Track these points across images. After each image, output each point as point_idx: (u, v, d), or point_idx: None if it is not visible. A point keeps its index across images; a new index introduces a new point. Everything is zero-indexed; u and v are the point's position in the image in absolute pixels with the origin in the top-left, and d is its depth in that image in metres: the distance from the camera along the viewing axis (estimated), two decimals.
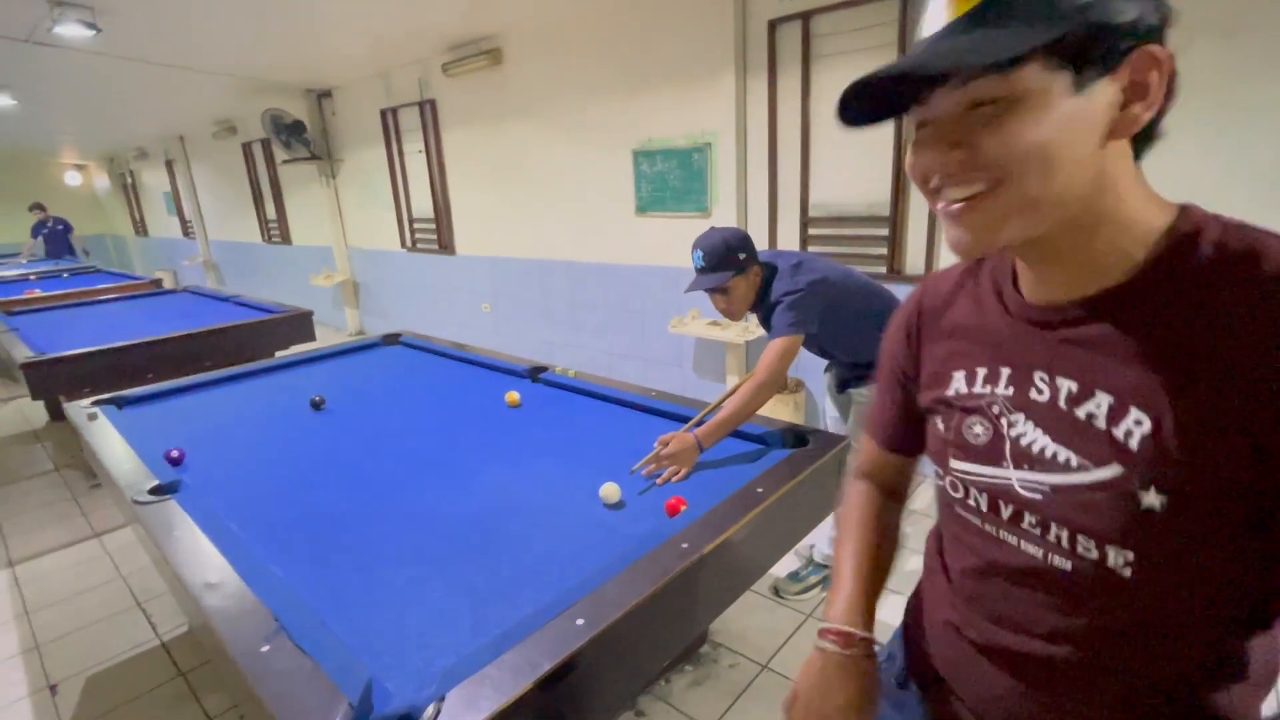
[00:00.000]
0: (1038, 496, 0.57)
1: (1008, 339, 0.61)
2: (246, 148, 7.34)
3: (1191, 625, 0.54)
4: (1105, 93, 0.48)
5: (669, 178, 3.59)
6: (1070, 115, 0.48)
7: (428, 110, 4.92)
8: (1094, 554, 0.54)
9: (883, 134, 2.80)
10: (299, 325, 3.94)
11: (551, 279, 4.53)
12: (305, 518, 1.47)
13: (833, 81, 2.90)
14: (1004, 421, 0.60)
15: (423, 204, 5.40)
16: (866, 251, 2.97)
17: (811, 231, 3.13)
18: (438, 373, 2.60)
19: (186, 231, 9.73)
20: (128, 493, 1.54)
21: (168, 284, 6.58)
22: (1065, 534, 0.55)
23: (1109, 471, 0.52)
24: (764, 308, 1.94)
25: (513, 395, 2.13)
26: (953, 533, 0.70)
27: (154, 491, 1.54)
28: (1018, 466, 0.58)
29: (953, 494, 0.66)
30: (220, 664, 1.14)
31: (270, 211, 7.53)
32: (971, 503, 0.64)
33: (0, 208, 10.66)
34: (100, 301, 5.05)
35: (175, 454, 1.78)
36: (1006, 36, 0.46)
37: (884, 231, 2.89)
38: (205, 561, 1.23)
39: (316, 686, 0.91)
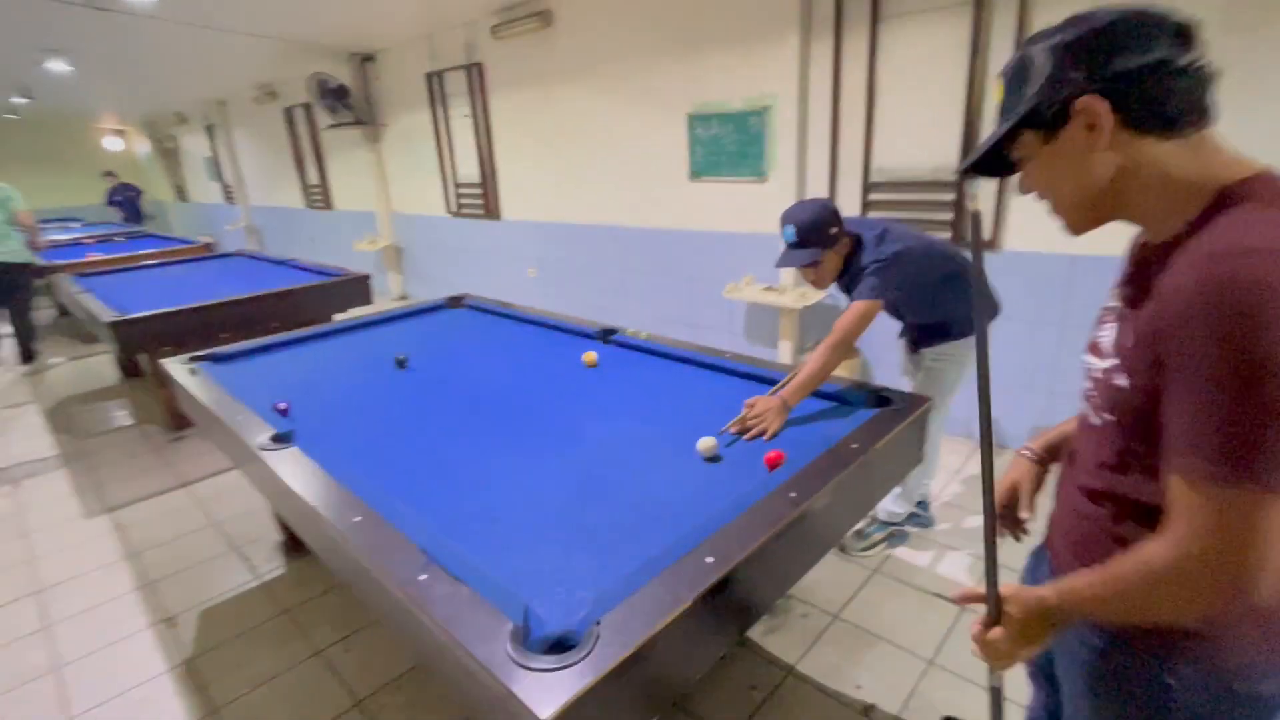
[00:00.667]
0: (1098, 375, 0.83)
1: (1126, 271, 0.85)
2: (288, 112, 7.41)
3: (1136, 472, 0.78)
4: (1071, 131, 0.74)
5: (724, 142, 3.58)
6: (1051, 156, 0.78)
7: (475, 74, 4.92)
8: (1109, 415, 0.80)
9: (951, 96, 2.76)
10: (357, 288, 4.05)
11: (600, 244, 4.56)
12: (420, 465, 1.57)
13: (902, 41, 2.86)
14: (1102, 327, 0.85)
15: (468, 169, 5.43)
16: (931, 217, 2.96)
17: (873, 197, 3.12)
18: (507, 333, 2.68)
19: (228, 196, 9.90)
20: (250, 440, 1.65)
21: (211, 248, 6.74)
22: (1101, 401, 0.82)
23: (1110, 362, 0.79)
24: (848, 275, 2.00)
25: (590, 355, 2.20)
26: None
27: (275, 440, 1.65)
28: (1095, 356, 0.84)
29: (1083, 381, 0.91)
30: (371, 594, 1.24)
31: (313, 176, 7.62)
32: (1084, 386, 0.89)
33: (45, 169, 10.95)
34: (160, 264, 5.22)
35: (283, 406, 1.89)
36: (1001, 130, 0.80)
37: (949, 197, 2.87)
38: (344, 501, 1.33)
39: (479, 610, 1.00)
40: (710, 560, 1.09)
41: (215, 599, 2.25)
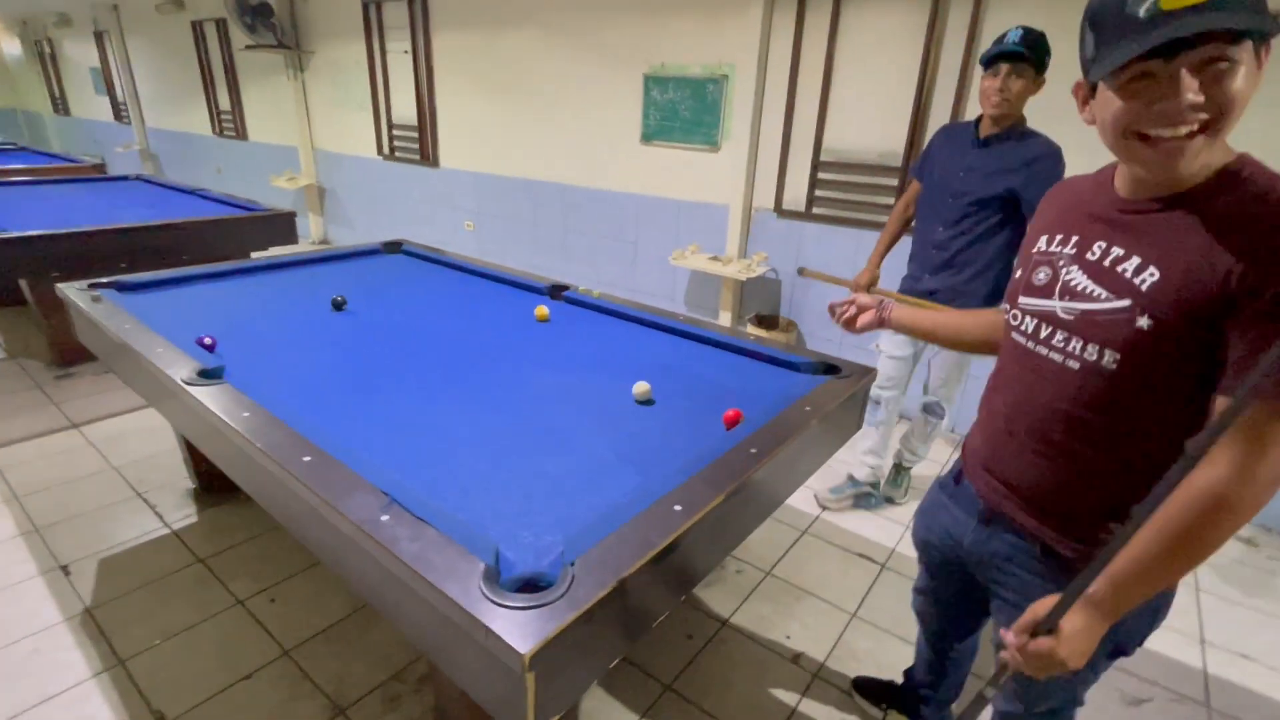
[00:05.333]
0: (1070, 318, 0.86)
1: (1085, 221, 0.89)
2: (197, 26, 6.70)
3: (1140, 422, 0.82)
4: (1256, 64, 0.71)
5: (680, 107, 3.55)
6: (1251, 77, 0.71)
7: (419, 7, 4.61)
8: (1094, 356, 0.83)
9: (905, 81, 2.85)
10: (280, 226, 3.77)
11: (543, 202, 4.45)
12: (369, 408, 1.50)
13: (862, 24, 2.92)
14: (1062, 269, 0.89)
15: (405, 110, 5.13)
16: (874, 200, 3.07)
17: (821, 175, 3.20)
18: (451, 283, 2.58)
19: (119, 115, 8.89)
20: (173, 375, 1.51)
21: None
22: (1080, 344, 0.85)
23: (1123, 302, 0.81)
24: (1011, 152, 1.95)
25: (542, 309, 2.16)
26: (1004, 357, 1.01)
27: (202, 375, 1.53)
28: (1061, 298, 0.88)
29: (1013, 323, 0.97)
30: (321, 537, 1.19)
31: (223, 101, 6.96)
32: (1024, 327, 0.94)
33: None
34: (40, 183, 4.64)
35: (208, 340, 1.75)
36: (1244, 17, 0.66)
37: (893, 182, 2.98)
38: (291, 440, 1.26)
39: (448, 550, 0.98)
40: (679, 508, 1.11)
41: (117, 547, 2.08)
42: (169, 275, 2.33)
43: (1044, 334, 0.90)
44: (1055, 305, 0.88)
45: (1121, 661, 1.88)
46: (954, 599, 1.30)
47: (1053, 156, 1.91)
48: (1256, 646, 1.94)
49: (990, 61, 1.90)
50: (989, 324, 1.19)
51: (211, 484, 2.35)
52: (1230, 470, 0.73)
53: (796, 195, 3.32)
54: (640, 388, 1.60)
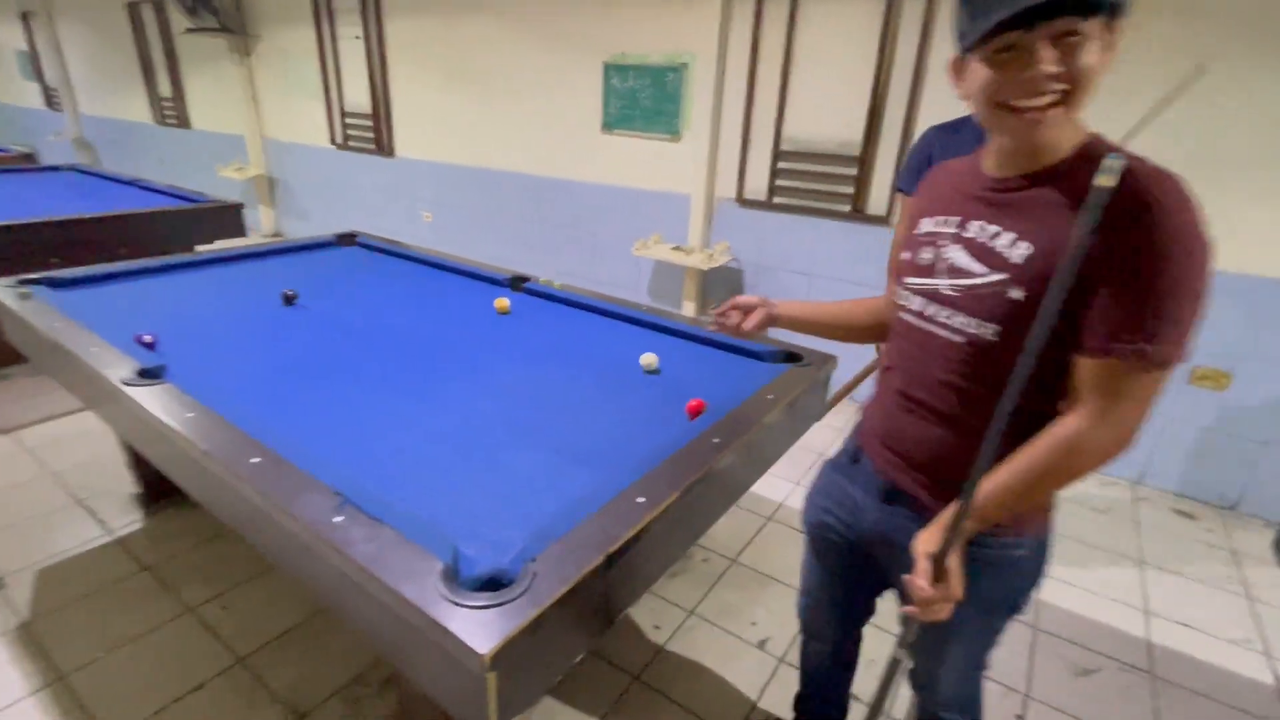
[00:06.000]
0: (954, 294, 0.90)
1: (963, 201, 0.93)
2: (133, 9, 6.37)
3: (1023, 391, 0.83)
4: (1107, 43, 0.76)
5: (640, 95, 3.52)
6: (1103, 46, 0.76)
7: None
8: (975, 330, 0.88)
9: (862, 72, 2.88)
10: (227, 218, 3.61)
11: (503, 192, 4.37)
12: (322, 406, 1.45)
13: (821, 13, 2.93)
14: (944, 249, 0.93)
15: (358, 97, 4.97)
16: (833, 189, 3.11)
17: (782, 165, 3.21)
18: (408, 276, 2.51)
19: (50, 101, 8.41)
20: (110, 376, 1.44)
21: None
22: (962, 318, 0.89)
23: (999, 276, 0.85)
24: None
25: (503, 301, 2.12)
26: (896, 335, 1.04)
27: (142, 375, 1.45)
28: (945, 276, 0.92)
29: (901, 302, 1.01)
30: (273, 541, 1.14)
31: (164, 88, 6.65)
32: (911, 306, 0.98)
33: None
34: None
35: (148, 338, 1.67)
36: None
37: (852, 171, 3.02)
38: (237, 441, 1.20)
39: (404, 550, 0.95)
40: (642, 500, 1.10)
41: (56, 557, 1.98)
42: (106, 270, 2.21)
43: (930, 311, 0.94)
44: (939, 283, 0.92)
45: (1071, 633, 1.95)
46: (847, 593, 1.27)
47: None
48: (1197, 616, 2.04)
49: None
50: (875, 309, 1.23)
51: (156, 488, 2.25)
52: (1085, 420, 0.81)
53: (758, 185, 3.33)
54: (648, 359, 1.68)
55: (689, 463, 1.23)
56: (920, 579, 0.88)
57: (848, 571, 1.21)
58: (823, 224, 3.19)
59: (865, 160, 2.97)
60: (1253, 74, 2.21)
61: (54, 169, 4.79)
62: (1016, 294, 0.83)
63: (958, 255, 0.90)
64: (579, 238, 4.12)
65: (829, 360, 1.77)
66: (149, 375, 1.46)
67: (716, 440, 1.31)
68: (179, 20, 5.62)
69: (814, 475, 1.27)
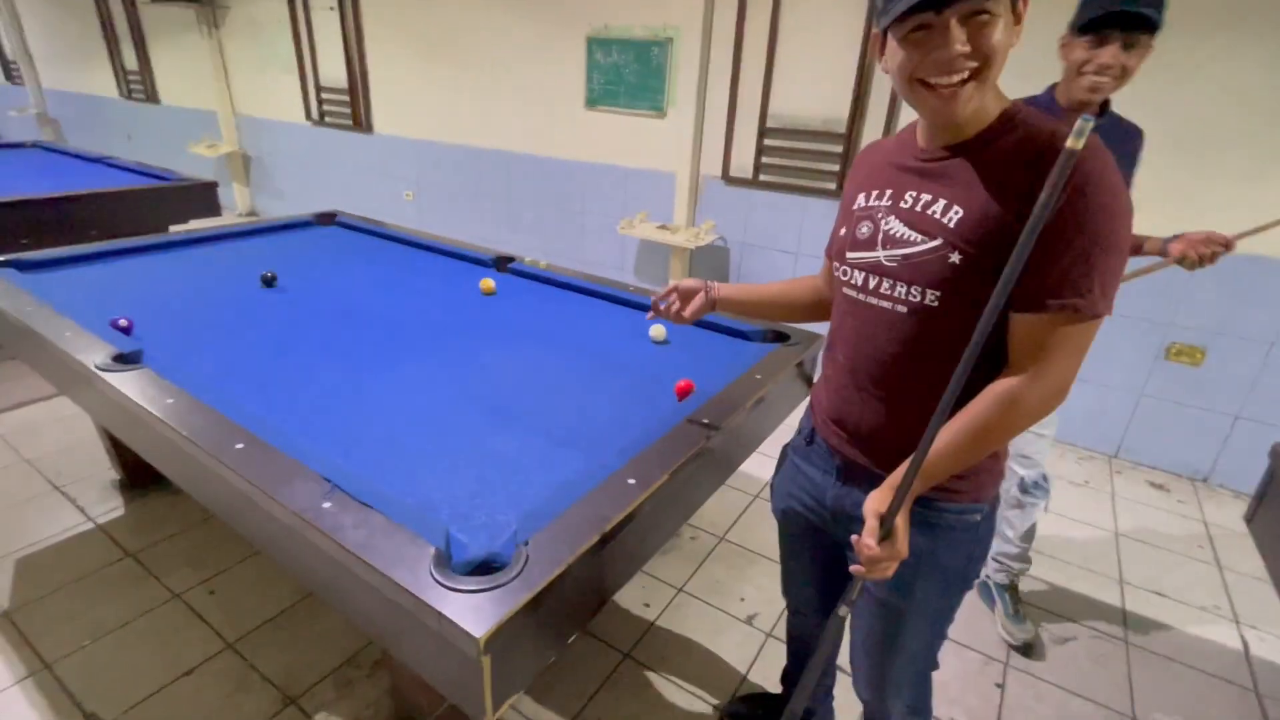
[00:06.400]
0: (893, 265, 0.92)
1: (895, 174, 0.95)
2: None
3: (961, 343, 0.82)
4: (1012, 16, 0.80)
5: (624, 71, 3.46)
6: (1009, 27, 0.79)
7: None
8: (918, 297, 0.89)
9: (848, 47, 2.85)
10: (201, 197, 3.51)
11: (486, 169, 4.30)
12: (306, 390, 1.42)
13: None
14: (882, 221, 0.94)
15: (334, 72, 4.83)
16: (818, 167, 3.09)
17: (767, 142, 3.18)
18: (390, 256, 2.47)
19: (9, 75, 8.08)
20: (85, 361, 1.40)
21: None
22: (905, 288, 0.91)
23: (936, 242, 0.87)
24: (1117, 142, 1.31)
25: (488, 282, 2.09)
26: (839, 312, 1.06)
27: (118, 360, 1.42)
28: (884, 247, 0.93)
29: (842, 279, 1.01)
30: (259, 527, 1.13)
31: (130, 61, 6.41)
32: (853, 281, 0.99)
33: None
34: None
35: (124, 322, 1.63)
36: None
37: (838, 148, 3.00)
38: (220, 427, 1.18)
39: (396, 535, 0.95)
40: (633, 482, 1.10)
41: (36, 545, 1.95)
42: (77, 252, 2.15)
43: (872, 284, 0.95)
44: (879, 255, 0.93)
45: (1049, 603, 1.99)
46: (824, 571, 1.24)
47: (1141, 136, 1.63)
48: (1169, 584, 2.11)
49: (1095, 26, 1.38)
50: (814, 286, 1.25)
51: (138, 473, 2.22)
52: (1024, 376, 0.84)
53: (743, 162, 3.30)
54: (657, 330, 1.76)
55: (679, 444, 1.23)
56: (868, 537, 0.89)
57: (821, 551, 1.21)
58: (809, 202, 3.18)
59: (851, 137, 2.95)
60: (1235, 52, 2.22)
61: (17, 146, 4.62)
62: (955, 258, 0.85)
63: (895, 226, 0.91)
64: (564, 216, 4.07)
65: (815, 339, 1.77)
66: (126, 360, 1.43)
67: (706, 421, 1.31)
68: None
69: (775, 468, 1.29)
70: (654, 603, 1.89)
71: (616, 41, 3.42)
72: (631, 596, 1.90)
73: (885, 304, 0.93)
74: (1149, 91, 2.23)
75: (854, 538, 0.92)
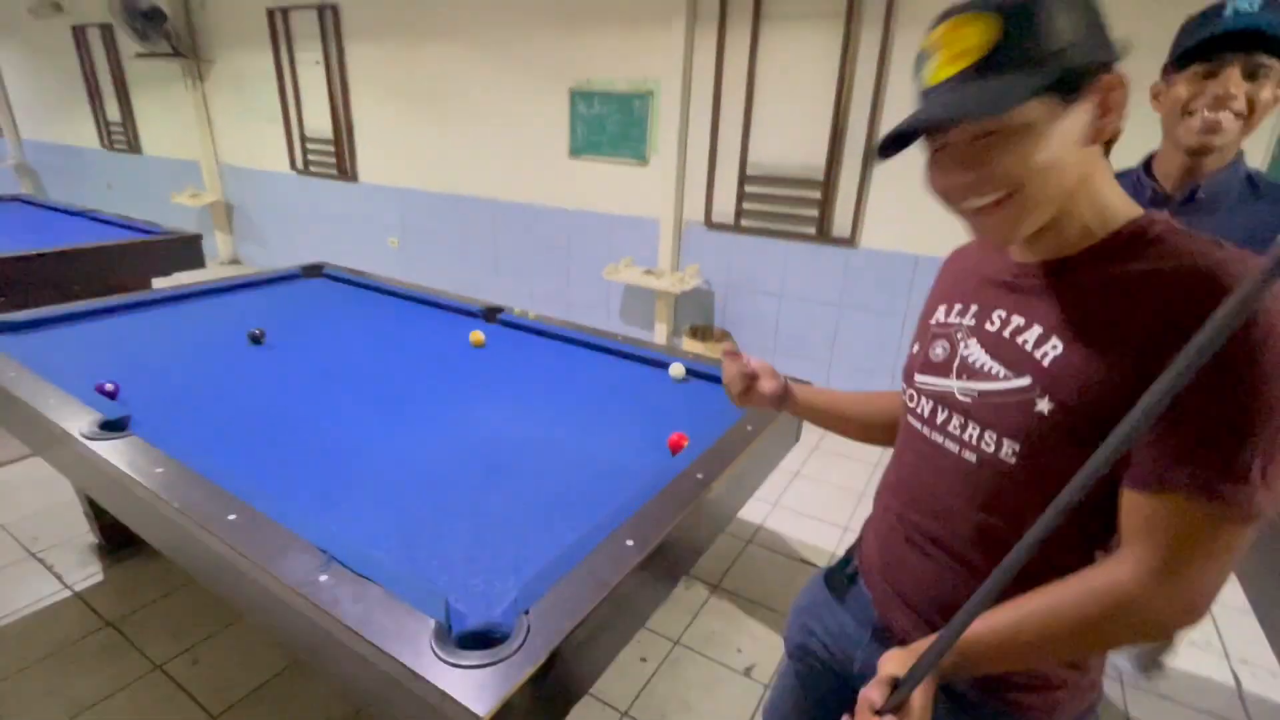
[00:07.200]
0: (968, 400, 0.72)
1: (982, 287, 0.77)
2: (79, 32, 6.18)
3: (1034, 511, 0.62)
4: (1084, 109, 0.61)
5: (607, 122, 3.56)
6: (1062, 132, 0.60)
7: (328, 16, 4.43)
8: (992, 448, 0.70)
9: (823, 97, 2.97)
10: (185, 250, 3.50)
11: (471, 217, 4.36)
12: (297, 455, 1.41)
13: (781, 41, 3.01)
14: (960, 343, 0.76)
15: (319, 122, 4.90)
16: (798, 213, 3.18)
17: (748, 189, 3.27)
18: (378, 309, 2.48)
19: None
20: (69, 429, 1.38)
21: None
22: (977, 431, 0.71)
23: (1023, 380, 0.67)
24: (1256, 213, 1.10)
25: (478, 335, 2.11)
26: (900, 440, 0.87)
27: (104, 427, 1.40)
28: (959, 377, 0.74)
29: (909, 404, 0.83)
30: (250, 600, 1.11)
31: (113, 113, 6.45)
32: (920, 410, 0.80)
33: None
34: None
35: (109, 387, 1.61)
36: (1003, 86, 0.59)
37: (816, 194, 3.09)
38: (211, 497, 1.17)
39: (394, 609, 0.94)
40: (630, 543, 1.11)
41: (9, 616, 1.88)
42: (59, 312, 2.13)
43: (940, 418, 0.76)
44: (953, 385, 0.75)
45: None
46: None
47: None
48: None
49: (1203, 51, 1.07)
50: (889, 408, 0.99)
51: (118, 537, 2.16)
52: (1136, 570, 0.60)
53: (725, 208, 3.39)
54: (676, 369, 1.86)
55: (676, 501, 1.24)
56: (874, 693, 0.67)
57: (830, 703, 0.96)
58: (790, 246, 3.26)
59: (829, 183, 3.05)
60: None
61: None
62: (1043, 406, 0.65)
63: (975, 352, 0.73)
64: (549, 262, 4.12)
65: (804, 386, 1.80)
66: (112, 427, 1.41)
67: (700, 476, 1.32)
68: (128, 44, 5.47)
69: (802, 591, 1.07)
70: (651, 656, 1.87)
71: (599, 94, 3.52)
72: (628, 651, 1.87)
73: (952, 446, 0.74)
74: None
75: (862, 691, 0.70)
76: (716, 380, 1.86)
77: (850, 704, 0.81)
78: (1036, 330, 0.68)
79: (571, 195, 3.86)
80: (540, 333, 2.24)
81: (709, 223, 3.46)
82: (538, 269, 4.18)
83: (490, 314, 2.37)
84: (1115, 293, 0.63)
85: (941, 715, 0.71)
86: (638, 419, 1.65)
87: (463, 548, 1.15)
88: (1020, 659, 0.68)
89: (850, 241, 3.09)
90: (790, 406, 1.07)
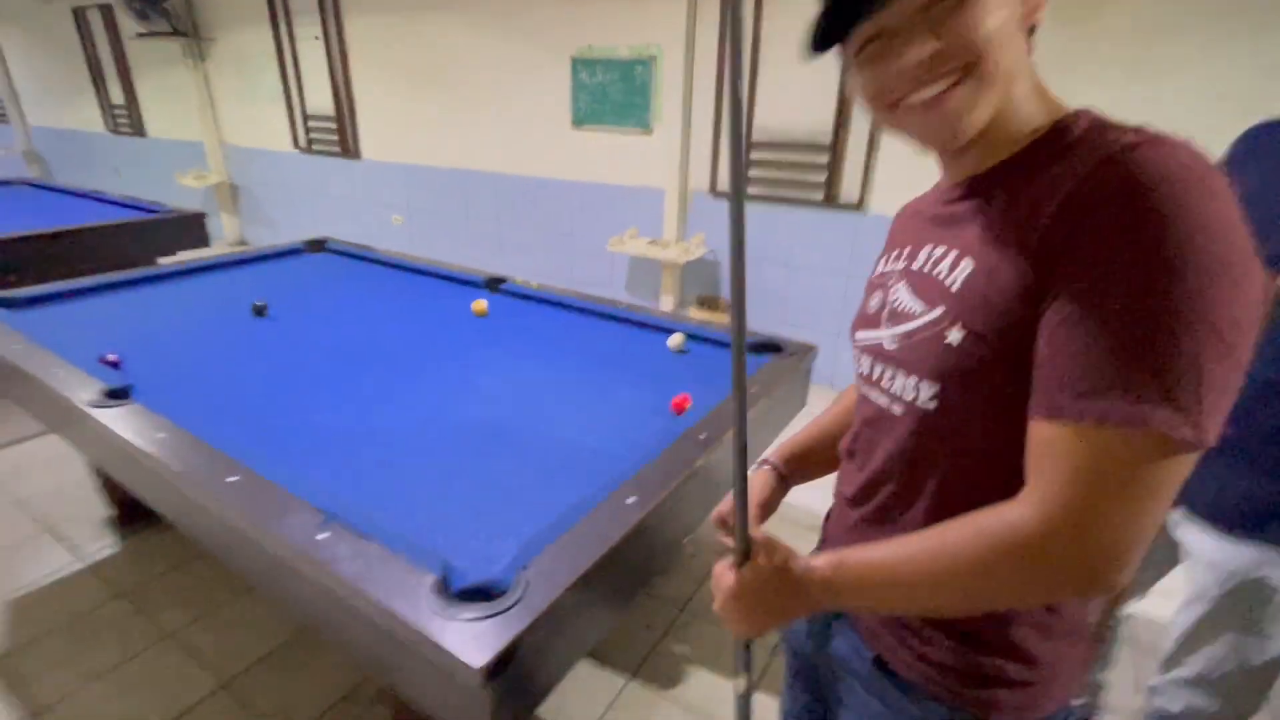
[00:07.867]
0: (895, 347, 0.65)
1: (919, 227, 0.70)
2: (79, 14, 6.15)
3: (974, 482, 0.60)
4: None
5: (609, 90, 3.49)
6: (1004, 5, 0.54)
7: None
8: (912, 394, 0.62)
9: (829, 60, 2.88)
10: (189, 228, 3.51)
11: (474, 192, 4.32)
12: (298, 420, 1.41)
13: (785, 4, 2.93)
14: (890, 290, 0.69)
15: (320, 99, 4.86)
16: (805, 179, 3.11)
17: (754, 156, 3.21)
18: (381, 281, 2.47)
19: None
20: (74, 398, 1.39)
21: None
22: (902, 379, 0.64)
23: (936, 312, 0.60)
24: None
25: (480, 304, 2.09)
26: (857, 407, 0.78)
27: (109, 396, 1.40)
28: (888, 324, 0.67)
29: (856, 367, 0.75)
30: (254, 561, 1.11)
31: (116, 95, 6.43)
32: (861, 369, 0.72)
33: None
34: None
35: (112, 358, 1.62)
36: None
37: (823, 159, 3.03)
38: (213, 461, 1.17)
39: (392, 566, 0.93)
40: (632, 500, 1.10)
41: (26, 588, 1.91)
42: (64, 288, 2.13)
43: (875, 373, 0.68)
44: (883, 335, 0.67)
45: None
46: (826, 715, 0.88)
47: None
48: None
49: None
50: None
51: (129, 511, 2.18)
52: (1032, 509, 0.51)
53: None
54: (675, 340, 1.80)
55: (678, 460, 1.22)
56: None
57: (821, 693, 0.88)
58: (797, 213, 3.20)
59: (836, 148, 2.98)
60: (1205, 51, 2.26)
61: (5, 184, 4.61)
62: (953, 337, 0.57)
63: (901, 295, 0.66)
64: (554, 236, 4.08)
65: (810, 350, 1.77)
66: (116, 396, 1.41)
67: (704, 436, 1.31)
68: (128, 25, 5.43)
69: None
70: (655, 624, 1.87)
71: (601, 61, 3.45)
72: (633, 617, 1.88)
73: (882, 400, 0.67)
74: (1123, 95, 2.27)
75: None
76: (722, 345, 1.84)
77: (821, 689, 0.86)
78: (952, 255, 0.61)
79: (575, 167, 3.81)
80: (544, 301, 2.22)
81: (714, 191, 3.40)
82: (542, 242, 4.15)
83: (493, 284, 2.35)
84: (1028, 197, 0.55)
85: (876, 695, 0.71)
86: (641, 384, 1.63)
87: (464, 510, 1.14)
88: (903, 600, 0.60)
89: (859, 207, 3.03)
90: (793, 479, 0.93)
